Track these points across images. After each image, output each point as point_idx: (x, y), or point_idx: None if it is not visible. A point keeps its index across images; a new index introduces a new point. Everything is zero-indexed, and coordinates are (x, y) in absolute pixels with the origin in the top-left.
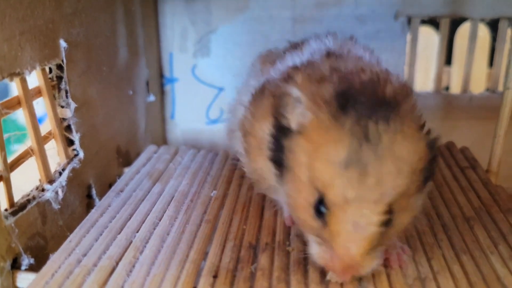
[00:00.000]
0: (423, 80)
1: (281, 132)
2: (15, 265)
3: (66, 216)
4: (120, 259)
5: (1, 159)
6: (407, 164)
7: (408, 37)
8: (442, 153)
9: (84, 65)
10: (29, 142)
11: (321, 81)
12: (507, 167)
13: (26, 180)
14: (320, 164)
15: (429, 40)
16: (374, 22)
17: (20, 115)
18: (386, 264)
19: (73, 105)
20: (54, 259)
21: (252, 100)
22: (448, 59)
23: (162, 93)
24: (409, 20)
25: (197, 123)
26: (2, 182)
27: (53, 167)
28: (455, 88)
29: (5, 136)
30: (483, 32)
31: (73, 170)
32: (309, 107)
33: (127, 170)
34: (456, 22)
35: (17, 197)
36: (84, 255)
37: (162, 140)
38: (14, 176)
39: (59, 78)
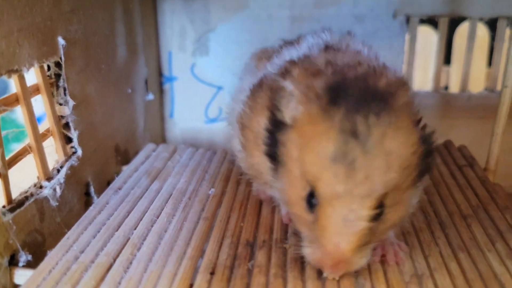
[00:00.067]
0: (422, 79)
1: (276, 126)
2: (13, 262)
3: (64, 213)
4: (118, 255)
5: None
6: (398, 158)
7: (407, 36)
8: (440, 151)
9: (83, 63)
10: (28, 140)
11: (316, 75)
12: (505, 166)
13: (24, 177)
14: (310, 157)
15: (428, 39)
16: (372, 21)
17: (19, 114)
18: (383, 260)
19: (71, 102)
20: (52, 256)
21: (250, 94)
22: (447, 59)
23: (161, 91)
24: (408, 19)
25: (196, 122)
26: (0, 179)
27: (51, 164)
28: (454, 87)
29: (3, 133)
30: (482, 31)
31: (71, 167)
32: (301, 100)
33: (125, 168)
34: (455, 22)
35: (15, 194)
36: (82, 251)
37: (161, 138)
38: (12, 173)
39: (57, 76)
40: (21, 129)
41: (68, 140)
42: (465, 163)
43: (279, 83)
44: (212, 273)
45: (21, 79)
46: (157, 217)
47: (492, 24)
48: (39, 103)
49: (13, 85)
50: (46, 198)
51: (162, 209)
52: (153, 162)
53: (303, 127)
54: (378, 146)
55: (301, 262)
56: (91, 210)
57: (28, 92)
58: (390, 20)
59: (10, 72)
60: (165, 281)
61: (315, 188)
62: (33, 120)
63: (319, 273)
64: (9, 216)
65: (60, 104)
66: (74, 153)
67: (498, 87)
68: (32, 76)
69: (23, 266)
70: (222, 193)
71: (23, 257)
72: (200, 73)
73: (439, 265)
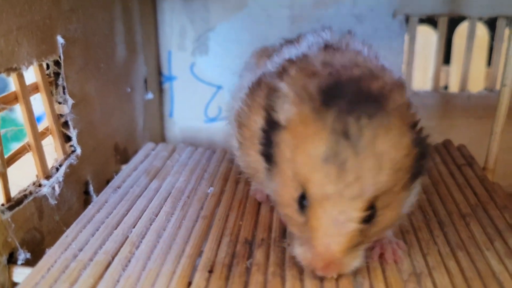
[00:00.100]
0: (422, 79)
1: (271, 126)
2: (12, 260)
3: (63, 212)
4: (116, 254)
5: None
6: (390, 160)
7: (406, 36)
8: (439, 150)
9: (82, 62)
10: (27, 139)
11: (311, 75)
12: (504, 165)
13: (23, 176)
14: (302, 158)
15: (428, 39)
16: (372, 21)
17: (19, 114)
18: (381, 259)
19: (70, 101)
20: (50, 254)
21: (248, 92)
22: (447, 58)
23: (160, 91)
24: (407, 19)
25: (196, 121)
26: None
27: (50, 163)
28: (454, 87)
29: (2, 131)
30: (482, 31)
31: (70, 166)
32: (294, 102)
33: (124, 167)
34: (455, 22)
35: (14, 193)
36: (80, 250)
37: (160, 138)
38: (12, 172)
39: (57, 74)
40: (19, 128)
41: (67, 138)
42: (464, 162)
43: (274, 83)
44: (210, 271)
45: (20, 77)
46: (156, 216)
47: (491, 24)
48: (39, 101)
49: (12, 84)
50: (45, 196)
51: (161, 208)
52: (152, 161)
53: (296, 128)
54: (370, 147)
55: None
56: (90, 209)
57: (27, 91)
58: (390, 19)
59: (9, 70)
60: (164, 279)
61: (306, 189)
62: (32, 119)
63: None
64: (8, 214)
65: (59, 103)
66: (73, 151)
67: (498, 86)
68: (31, 75)
69: (22, 264)
70: (221, 192)
71: (22, 255)
72: (200, 72)
73: (438, 263)
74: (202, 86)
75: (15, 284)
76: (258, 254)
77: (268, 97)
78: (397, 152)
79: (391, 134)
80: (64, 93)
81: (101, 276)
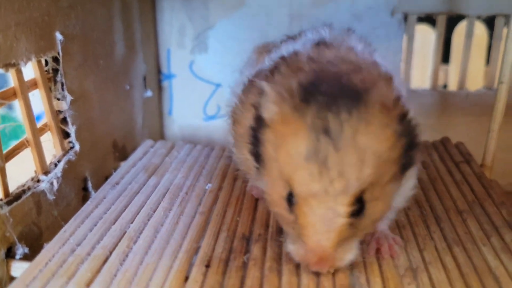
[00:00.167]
0: (420, 78)
1: (259, 124)
2: (10, 254)
3: (61, 208)
4: (114, 248)
5: None
6: (373, 153)
7: (405, 34)
8: (437, 147)
9: (81, 58)
10: (26, 135)
11: (296, 72)
12: (502, 164)
13: (21, 171)
14: (285, 157)
15: (426, 37)
16: (370, 19)
17: (19, 112)
18: (378, 254)
19: (69, 97)
20: (48, 249)
21: (244, 89)
22: (445, 57)
23: (159, 89)
24: (406, 17)
25: (195, 119)
26: None
27: (49, 159)
28: (452, 85)
29: (1, 127)
30: (481, 30)
31: (69, 162)
32: (275, 100)
33: (123, 164)
34: (453, 20)
35: (12, 188)
36: (78, 244)
37: (159, 135)
38: (10, 167)
39: (55, 71)
40: (17, 123)
41: (66, 135)
42: (462, 159)
43: (258, 82)
44: (207, 266)
45: (19, 73)
46: (154, 211)
47: (490, 22)
48: (37, 98)
49: (11, 80)
50: (43, 191)
51: (159, 204)
52: (151, 158)
53: (278, 126)
54: (351, 142)
55: None
56: (88, 204)
57: (25, 86)
58: (388, 18)
59: (7, 66)
60: (161, 273)
61: (292, 188)
62: (31, 114)
63: None
64: (6, 209)
65: (58, 99)
66: (72, 148)
67: (496, 85)
68: (30, 71)
69: (20, 259)
70: (219, 188)
71: (20, 250)
72: (199, 70)
73: (434, 258)
74: (201, 84)
75: (13, 278)
76: (255, 249)
77: (258, 95)
78: (380, 145)
79: (373, 127)
80: (62, 89)
81: (98, 270)
